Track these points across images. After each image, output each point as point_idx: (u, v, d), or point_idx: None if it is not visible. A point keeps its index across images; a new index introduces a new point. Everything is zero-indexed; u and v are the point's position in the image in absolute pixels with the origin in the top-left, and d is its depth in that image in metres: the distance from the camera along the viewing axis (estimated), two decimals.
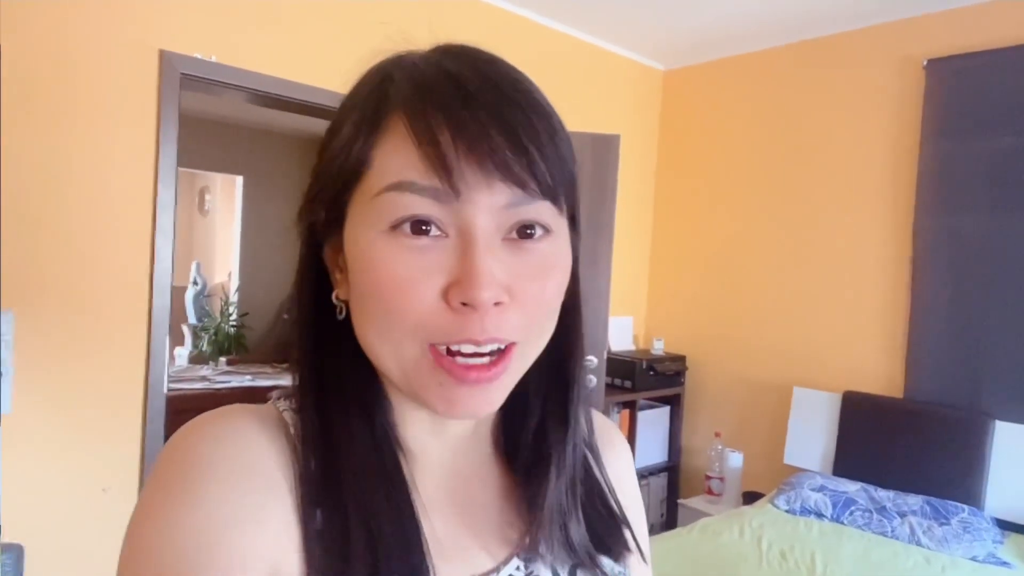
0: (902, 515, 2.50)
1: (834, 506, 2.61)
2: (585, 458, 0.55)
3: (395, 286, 0.41)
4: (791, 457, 3.10)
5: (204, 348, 5.87)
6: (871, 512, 2.55)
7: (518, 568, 0.50)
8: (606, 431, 0.61)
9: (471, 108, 0.40)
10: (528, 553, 0.50)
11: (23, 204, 1.94)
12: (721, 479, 3.26)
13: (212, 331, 5.86)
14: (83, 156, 2.03)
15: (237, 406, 0.46)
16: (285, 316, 6.36)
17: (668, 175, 3.84)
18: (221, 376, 5.21)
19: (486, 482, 0.53)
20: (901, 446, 2.74)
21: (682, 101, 3.81)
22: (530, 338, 0.45)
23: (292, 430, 0.45)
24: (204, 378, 5.14)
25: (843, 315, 3.11)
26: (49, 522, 2.01)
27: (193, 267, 6.83)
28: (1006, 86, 2.66)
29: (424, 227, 0.41)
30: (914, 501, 2.56)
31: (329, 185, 0.45)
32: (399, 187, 0.41)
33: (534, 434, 0.52)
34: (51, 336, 2.01)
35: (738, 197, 3.52)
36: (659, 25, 3.26)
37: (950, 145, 2.79)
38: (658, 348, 3.60)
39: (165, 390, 2.20)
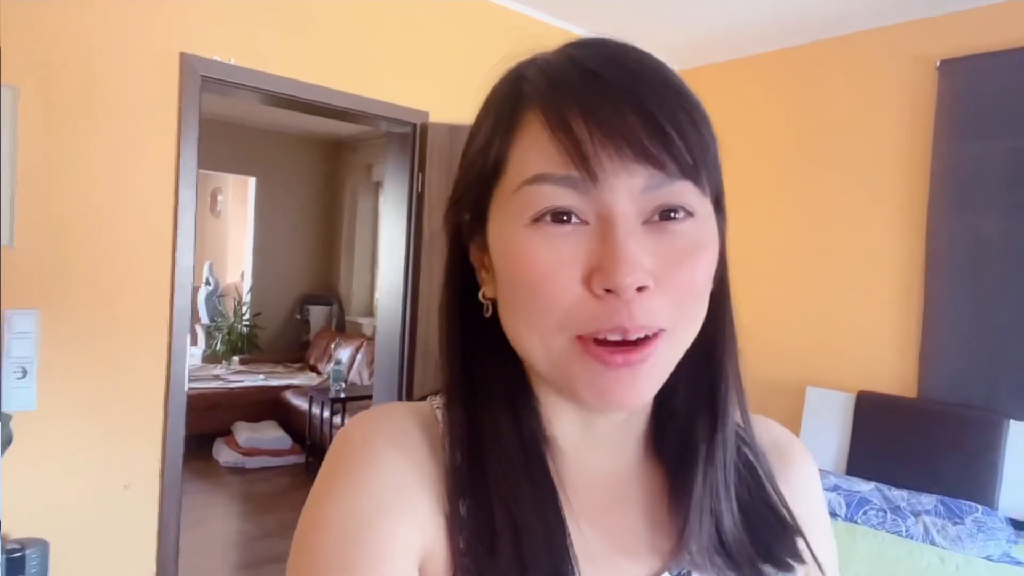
0: (916, 514, 2.49)
1: (848, 506, 2.60)
2: (749, 461, 0.52)
3: (539, 275, 0.41)
4: None
5: (218, 347, 5.92)
6: (885, 512, 2.55)
7: None
8: (783, 442, 0.58)
9: (604, 93, 0.40)
10: (681, 564, 0.47)
11: (48, 206, 1.98)
12: None
13: (225, 330, 5.92)
14: (106, 159, 2.07)
15: (396, 405, 0.49)
16: (298, 316, 6.41)
17: None
18: (234, 375, 5.26)
19: (638, 483, 0.51)
20: (915, 446, 2.73)
21: (701, 99, 3.79)
22: (679, 325, 0.43)
23: (442, 427, 0.47)
24: (217, 377, 5.19)
25: (857, 315, 3.10)
26: (73, 518, 2.04)
27: (206, 267, 6.87)
28: (1020, 87, 2.65)
29: (564, 217, 0.41)
30: (928, 501, 2.55)
31: (471, 187, 0.46)
32: (537, 180, 0.41)
33: (682, 432, 0.50)
34: (75, 335, 2.04)
35: (751, 196, 3.50)
36: (671, 25, 3.27)
37: (963, 146, 2.77)
38: None
39: (186, 388, 2.23)
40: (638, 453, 0.51)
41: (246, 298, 6.17)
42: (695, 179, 0.42)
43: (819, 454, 3.05)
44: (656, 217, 0.42)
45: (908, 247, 2.95)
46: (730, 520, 0.48)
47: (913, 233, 2.93)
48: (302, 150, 6.53)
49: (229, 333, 5.85)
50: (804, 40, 3.31)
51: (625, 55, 0.43)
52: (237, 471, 4.47)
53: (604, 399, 0.42)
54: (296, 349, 6.20)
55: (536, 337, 0.43)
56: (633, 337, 0.41)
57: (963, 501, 2.51)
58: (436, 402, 0.49)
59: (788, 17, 3.07)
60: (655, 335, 0.42)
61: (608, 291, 0.40)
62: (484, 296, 0.48)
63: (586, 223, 0.41)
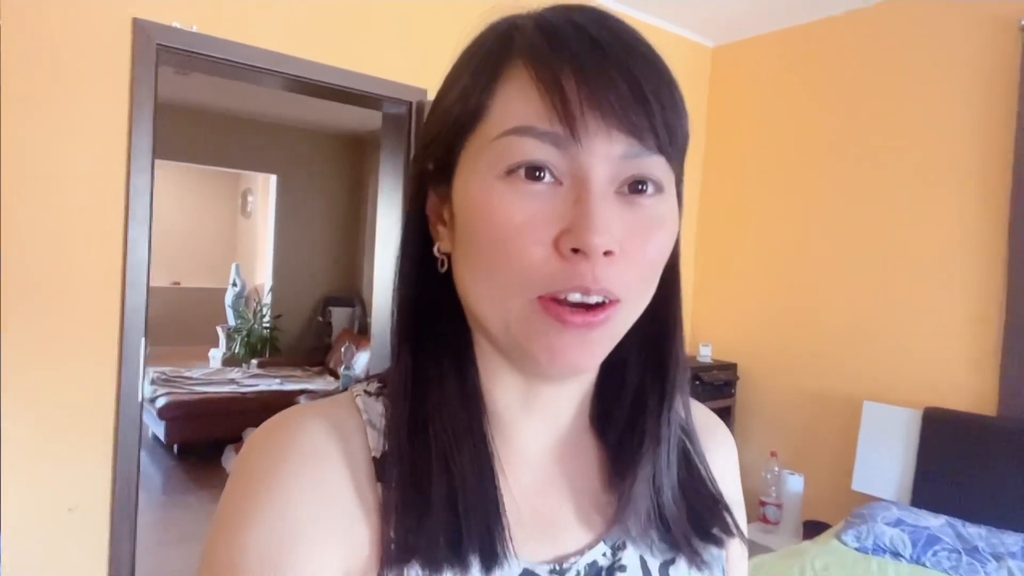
0: (998, 558, 2.13)
1: (914, 544, 2.23)
2: (682, 441, 0.54)
3: (508, 231, 0.41)
4: (861, 483, 2.75)
5: (237, 350, 5.79)
6: (959, 553, 2.18)
7: (604, 554, 0.49)
8: (710, 422, 0.61)
9: (598, 57, 0.41)
10: (617, 536, 0.49)
11: None
12: (778, 506, 2.89)
13: (245, 333, 5.78)
14: (46, 139, 1.85)
15: (308, 408, 0.46)
16: (319, 319, 6.23)
17: (717, 162, 3.53)
18: (249, 379, 5.11)
19: (578, 459, 0.52)
20: (995, 473, 2.39)
21: (733, 81, 3.51)
22: (633, 297, 0.44)
23: (364, 415, 0.46)
24: (232, 381, 5.04)
25: (924, 319, 2.76)
26: (9, 545, 1.82)
27: (232, 269, 6.81)
28: None
29: (539, 173, 0.41)
30: (1012, 541, 2.19)
31: (444, 132, 0.45)
32: (519, 131, 0.41)
33: (629, 407, 0.52)
34: (9, 340, 1.83)
35: (797, 186, 3.19)
36: None
37: None
38: (705, 355, 3.32)
39: (140, 399, 1.99)
40: (580, 428, 0.52)
41: (266, 299, 6.03)
42: (668, 156, 0.43)
43: (878, 480, 2.69)
44: (626, 189, 0.43)
45: (986, 242, 2.61)
46: (669, 495, 0.50)
47: (992, 225, 2.59)
48: (324, 145, 6.43)
49: (248, 335, 5.70)
50: (857, 6, 2.95)
51: (621, 27, 0.44)
52: None
53: (557, 360, 0.42)
54: (318, 352, 6.03)
55: (494, 296, 0.43)
56: (592, 300, 0.41)
57: None
58: (357, 389, 0.49)
59: None
60: (611, 302, 0.42)
61: (575, 251, 0.40)
62: (439, 251, 0.47)
63: (559, 184, 0.41)
